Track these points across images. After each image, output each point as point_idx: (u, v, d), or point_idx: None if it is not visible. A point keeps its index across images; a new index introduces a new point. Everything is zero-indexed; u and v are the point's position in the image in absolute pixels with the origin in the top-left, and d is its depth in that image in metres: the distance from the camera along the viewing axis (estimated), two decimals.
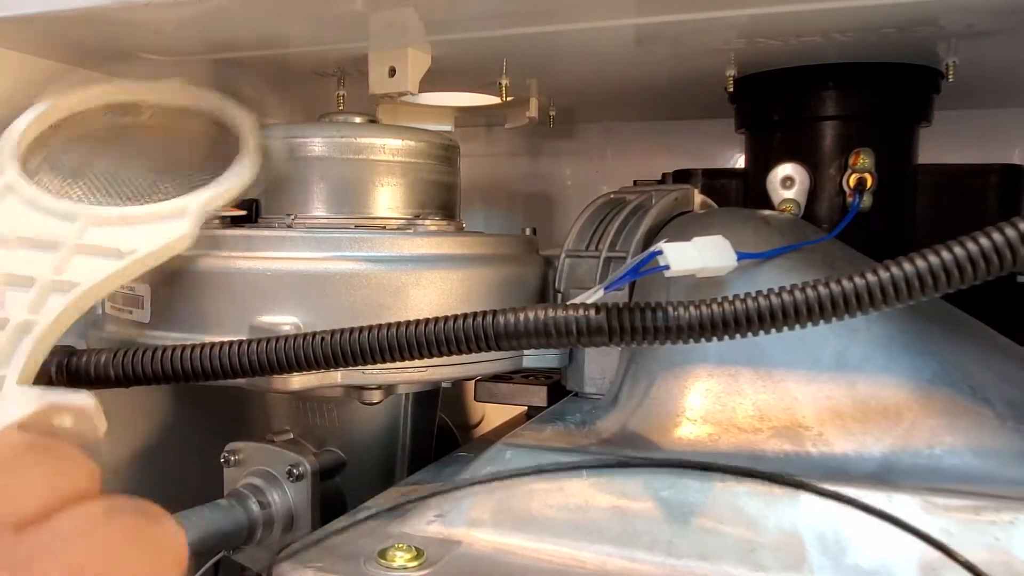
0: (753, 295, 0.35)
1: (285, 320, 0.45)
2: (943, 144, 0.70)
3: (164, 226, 0.39)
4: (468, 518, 0.41)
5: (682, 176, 0.76)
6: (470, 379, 0.59)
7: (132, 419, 0.70)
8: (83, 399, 0.28)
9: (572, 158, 0.99)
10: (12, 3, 0.50)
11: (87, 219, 0.39)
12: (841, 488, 0.37)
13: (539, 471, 0.40)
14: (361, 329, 0.37)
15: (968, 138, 0.79)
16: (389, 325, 0.37)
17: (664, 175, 0.78)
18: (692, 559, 0.37)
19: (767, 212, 0.57)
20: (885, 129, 0.65)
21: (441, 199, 0.57)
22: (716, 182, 0.74)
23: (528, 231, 0.60)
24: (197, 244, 0.40)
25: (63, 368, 0.37)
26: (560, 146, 0.99)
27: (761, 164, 0.67)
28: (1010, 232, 0.31)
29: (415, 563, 0.37)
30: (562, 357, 0.54)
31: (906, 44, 0.57)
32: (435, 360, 0.42)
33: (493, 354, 0.50)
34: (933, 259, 0.32)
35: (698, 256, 0.42)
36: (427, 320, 0.37)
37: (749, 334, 0.35)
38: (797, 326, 0.35)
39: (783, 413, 0.44)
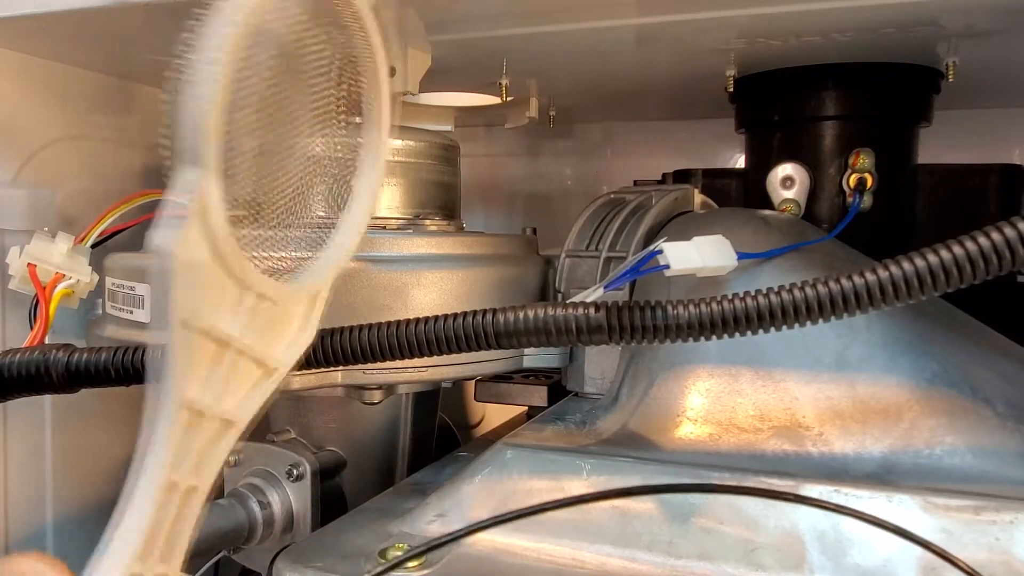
0: (752, 294, 0.35)
1: None
2: (943, 144, 0.70)
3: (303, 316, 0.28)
4: (468, 518, 0.41)
5: (682, 176, 0.76)
6: (470, 379, 0.59)
7: (132, 419, 0.70)
8: None
9: (572, 158, 0.99)
10: (12, 3, 0.50)
11: (256, 296, 0.26)
12: (841, 488, 0.37)
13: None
14: (361, 328, 0.37)
15: (968, 138, 0.79)
16: (389, 324, 0.37)
17: (664, 175, 0.78)
18: (692, 559, 0.37)
19: (767, 212, 0.57)
20: (885, 129, 0.65)
21: (441, 199, 0.57)
22: (716, 182, 0.74)
23: (528, 231, 0.60)
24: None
25: (63, 367, 0.37)
26: (560, 146, 0.99)
27: (761, 164, 0.67)
28: (1010, 232, 0.31)
29: (415, 563, 0.37)
30: (562, 357, 0.54)
31: (906, 44, 0.57)
32: (435, 360, 0.42)
33: (493, 354, 0.50)
34: (932, 258, 0.32)
35: (698, 256, 0.42)
36: (427, 319, 0.37)
37: (748, 333, 0.35)
38: (797, 325, 0.35)
39: (783, 413, 0.44)
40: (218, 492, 0.52)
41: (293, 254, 0.30)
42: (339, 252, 0.31)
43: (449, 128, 0.81)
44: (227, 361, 0.26)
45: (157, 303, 0.25)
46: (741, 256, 0.44)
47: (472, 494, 0.42)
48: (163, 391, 0.25)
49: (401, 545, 0.38)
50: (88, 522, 0.65)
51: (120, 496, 0.24)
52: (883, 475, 0.39)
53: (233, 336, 0.26)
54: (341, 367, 0.41)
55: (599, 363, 0.53)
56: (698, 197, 0.62)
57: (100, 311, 0.55)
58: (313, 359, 0.37)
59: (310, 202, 0.31)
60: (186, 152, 0.23)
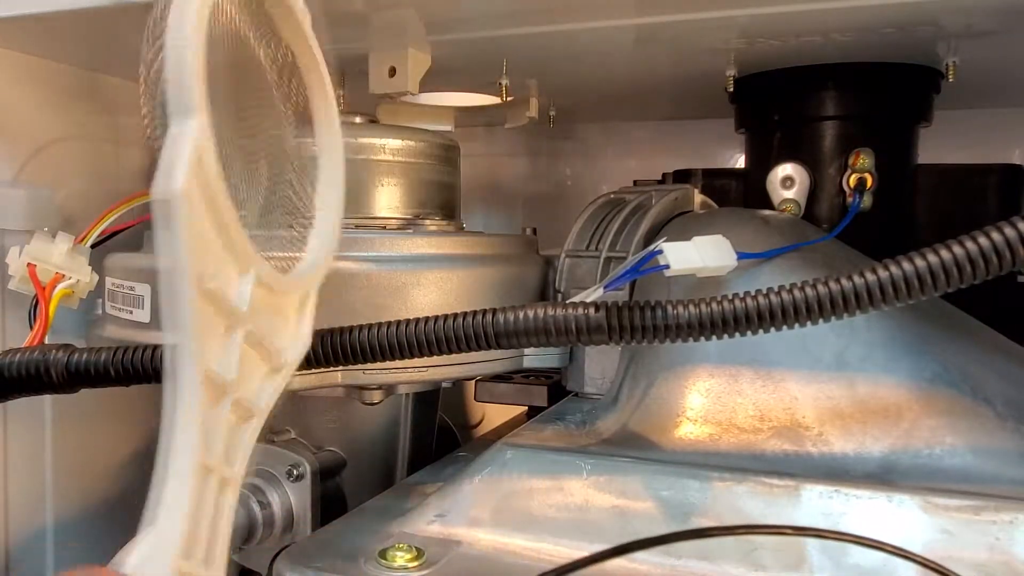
0: (752, 294, 0.35)
1: None
2: (943, 144, 0.70)
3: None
4: (468, 518, 0.41)
5: (682, 176, 0.76)
6: (470, 379, 0.59)
7: (132, 419, 0.70)
8: None
9: (572, 158, 0.99)
10: (12, 3, 0.50)
11: (255, 278, 0.24)
12: (841, 488, 0.37)
13: None
14: (361, 328, 0.37)
15: (968, 138, 0.79)
16: (389, 324, 0.37)
17: (664, 175, 0.78)
18: (692, 559, 0.37)
19: (767, 212, 0.57)
20: (885, 129, 0.65)
21: (441, 199, 0.57)
22: (716, 182, 0.74)
23: (528, 231, 0.60)
24: None
25: (63, 367, 0.37)
26: (560, 146, 0.99)
27: (761, 164, 0.67)
28: (1010, 232, 0.31)
29: (415, 563, 0.37)
30: (562, 357, 0.54)
31: (906, 44, 0.57)
32: (435, 360, 0.42)
33: (493, 354, 0.50)
34: (932, 258, 0.32)
35: (698, 256, 0.42)
36: (427, 319, 0.37)
37: (748, 333, 0.35)
38: (797, 325, 0.35)
39: (783, 413, 0.44)
40: None
41: (276, 253, 0.29)
42: (318, 255, 0.30)
43: (449, 128, 0.81)
44: (236, 341, 0.23)
45: (164, 287, 0.22)
46: (741, 256, 0.44)
47: (472, 494, 0.42)
48: (180, 366, 0.21)
49: (401, 545, 0.38)
50: (88, 522, 0.65)
51: (152, 482, 0.21)
52: (883, 475, 0.39)
53: (240, 312, 0.23)
54: (341, 367, 0.41)
55: (599, 363, 0.53)
56: (698, 197, 0.62)
57: (100, 311, 0.55)
58: (313, 359, 0.37)
59: (281, 201, 0.31)
60: (173, 102, 0.21)
